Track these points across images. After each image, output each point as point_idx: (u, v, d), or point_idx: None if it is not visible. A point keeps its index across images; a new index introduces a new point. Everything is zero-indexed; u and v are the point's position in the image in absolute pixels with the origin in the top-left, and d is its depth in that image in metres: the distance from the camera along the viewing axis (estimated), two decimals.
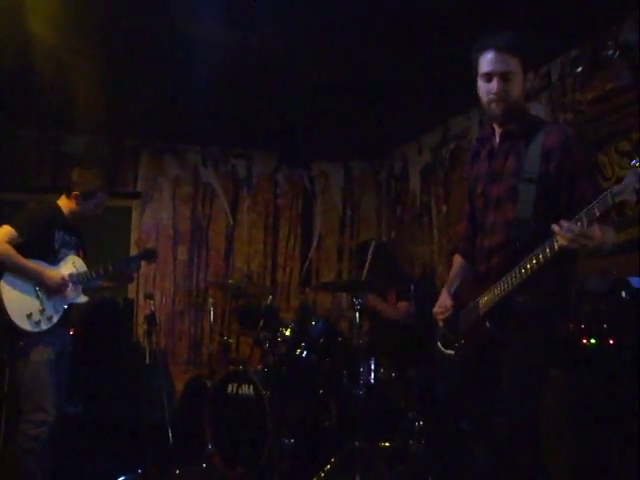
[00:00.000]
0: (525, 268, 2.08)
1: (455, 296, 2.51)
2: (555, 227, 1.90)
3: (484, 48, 2.21)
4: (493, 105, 2.22)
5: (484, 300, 2.26)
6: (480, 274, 2.35)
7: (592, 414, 2.75)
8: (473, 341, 2.35)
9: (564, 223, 1.89)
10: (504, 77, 2.17)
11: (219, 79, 4.38)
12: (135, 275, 3.76)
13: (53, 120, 5.20)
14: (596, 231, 1.90)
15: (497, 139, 2.32)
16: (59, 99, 4.52)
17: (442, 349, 2.50)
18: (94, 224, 3.76)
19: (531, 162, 2.16)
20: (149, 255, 3.91)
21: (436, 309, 2.52)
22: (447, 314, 2.45)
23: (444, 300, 2.50)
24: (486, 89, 2.21)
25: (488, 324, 2.24)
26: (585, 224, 1.85)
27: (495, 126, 2.33)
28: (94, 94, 4.47)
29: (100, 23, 3.63)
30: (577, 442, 2.79)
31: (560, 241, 1.92)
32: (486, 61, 2.19)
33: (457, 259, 2.64)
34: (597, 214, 1.84)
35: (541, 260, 2.03)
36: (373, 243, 4.79)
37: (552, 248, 1.98)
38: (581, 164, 2.14)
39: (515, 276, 2.12)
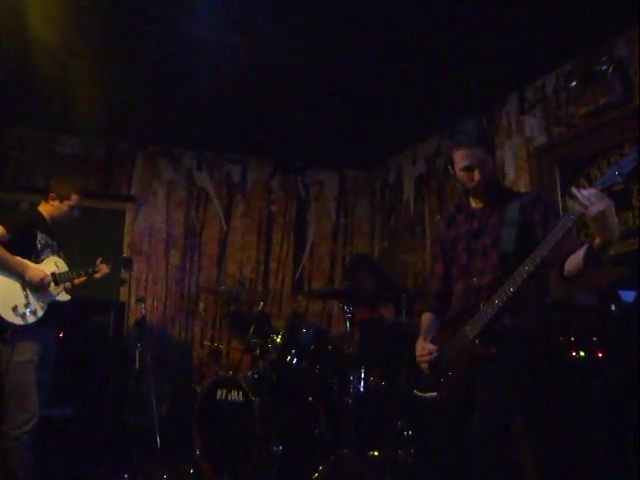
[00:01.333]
0: (515, 281, 2.28)
1: (432, 342, 2.60)
2: (573, 190, 2.08)
3: (456, 146, 2.57)
4: (478, 188, 2.57)
5: (472, 326, 2.39)
6: (465, 309, 2.50)
7: (581, 427, 2.76)
8: (460, 368, 2.40)
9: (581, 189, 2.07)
10: (479, 166, 2.53)
11: (216, 84, 4.38)
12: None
13: (48, 121, 5.19)
14: (608, 198, 2.04)
15: (474, 204, 2.65)
16: (55, 100, 4.52)
17: (420, 395, 2.56)
18: (88, 226, 3.84)
19: (511, 215, 2.50)
20: (125, 264, 4.14)
21: (419, 352, 2.60)
22: (432, 356, 2.53)
23: (425, 345, 2.61)
24: (468, 177, 2.56)
25: (478, 341, 2.36)
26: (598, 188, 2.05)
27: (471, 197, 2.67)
28: (90, 96, 4.47)
29: (99, 26, 3.63)
30: (565, 454, 2.79)
31: (578, 206, 2.06)
32: (461, 157, 2.55)
33: (428, 316, 2.77)
34: (619, 179, 2.02)
35: (530, 269, 2.23)
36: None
37: (565, 224, 2.15)
38: (550, 213, 2.49)
39: (506, 292, 2.31)
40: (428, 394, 2.50)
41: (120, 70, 4.24)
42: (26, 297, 3.37)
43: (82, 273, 3.71)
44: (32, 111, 4.99)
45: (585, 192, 2.04)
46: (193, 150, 5.95)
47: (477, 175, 2.53)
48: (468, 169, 2.53)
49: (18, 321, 3.29)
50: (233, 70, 4.19)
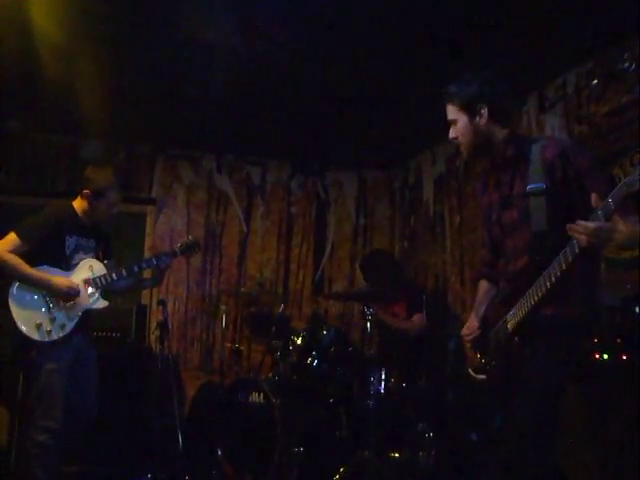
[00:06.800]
0: (550, 277, 2.07)
1: (483, 319, 2.53)
2: (570, 226, 1.89)
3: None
4: (460, 149, 2.45)
5: (511, 317, 2.28)
6: (506, 295, 2.37)
7: (604, 431, 2.73)
8: (503, 360, 2.37)
9: (580, 222, 1.87)
10: (452, 124, 2.41)
11: (234, 87, 4.40)
12: (166, 272, 3.66)
13: (69, 125, 5.25)
14: (618, 224, 1.85)
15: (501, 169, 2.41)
16: (74, 105, 4.56)
17: (474, 375, 2.54)
18: (109, 229, 3.75)
19: (535, 178, 2.20)
20: (190, 248, 3.74)
21: (464, 331, 2.57)
22: (474, 335, 2.50)
23: (471, 322, 2.55)
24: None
25: (517, 339, 2.26)
26: (602, 219, 1.83)
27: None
28: (109, 100, 4.51)
29: (116, 30, 3.67)
30: (589, 458, 2.76)
31: (578, 241, 1.90)
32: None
33: (482, 284, 2.68)
34: (612, 207, 1.81)
35: (564, 266, 2.00)
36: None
37: (573, 250, 1.96)
38: (585, 168, 2.17)
39: (541, 287, 2.11)
40: (479, 376, 2.50)
41: (139, 74, 4.28)
42: (51, 312, 3.20)
43: (115, 277, 3.38)
44: (52, 116, 5.05)
45: (582, 227, 1.86)
46: (213, 153, 5.98)
47: (451, 132, 2.42)
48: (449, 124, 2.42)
49: (43, 338, 3.15)
50: (250, 73, 4.20)
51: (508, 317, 2.30)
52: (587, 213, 1.95)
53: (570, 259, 1.98)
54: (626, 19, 3.34)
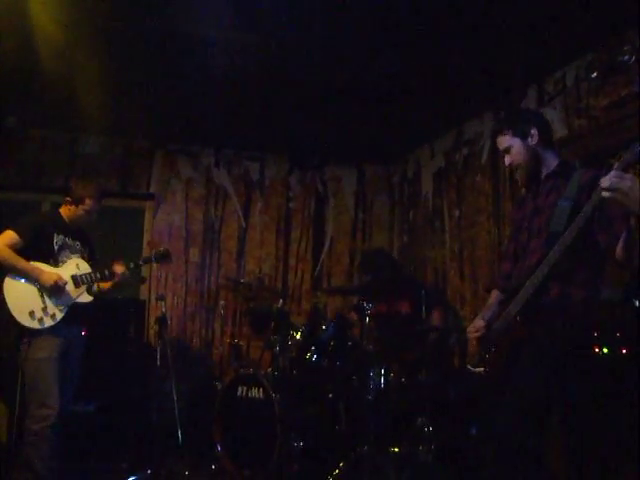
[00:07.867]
0: (563, 242, 2.27)
1: (490, 320, 2.65)
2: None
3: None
4: (516, 174, 2.68)
5: (515, 302, 2.42)
6: (513, 290, 2.51)
7: (603, 424, 2.72)
8: (503, 346, 2.45)
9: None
10: (506, 152, 2.65)
11: (232, 82, 4.39)
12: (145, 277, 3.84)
13: (68, 121, 5.23)
14: (632, 177, 2.02)
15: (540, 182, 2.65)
16: (73, 101, 4.54)
17: (471, 369, 2.64)
18: (108, 224, 3.86)
19: (568, 193, 2.46)
20: (162, 257, 4.02)
21: (470, 328, 2.69)
22: (480, 333, 2.62)
23: (478, 322, 2.67)
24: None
25: (518, 318, 2.39)
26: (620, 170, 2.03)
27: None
28: (108, 96, 4.50)
29: (113, 25, 3.64)
30: (587, 450, 2.76)
31: (600, 190, 2.05)
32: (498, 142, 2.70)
33: (494, 293, 2.82)
34: (629, 160, 2.02)
35: (575, 233, 2.22)
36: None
37: (587, 214, 2.18)
38: None
39: (555, 253, 2.30)
40: (477, 369, 2.59)
41: (137, 69, 4.26)
42: (43, 301, 3.42)
43: (99, 276, 3.67)
44: (50, 112, 5.04)
45: (606, 177, 2.03)
46: (211, 148, 5.97)
47: (507, 159, 2.64)
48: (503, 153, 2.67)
49: (35, 325, 3.35)
50: (249, 68, 4.18)
51: (512, 304, 2.44)
52: (601, 224, 2.26)
53: (581, 224, 2.20)
54: (626, 11, 3.33)
